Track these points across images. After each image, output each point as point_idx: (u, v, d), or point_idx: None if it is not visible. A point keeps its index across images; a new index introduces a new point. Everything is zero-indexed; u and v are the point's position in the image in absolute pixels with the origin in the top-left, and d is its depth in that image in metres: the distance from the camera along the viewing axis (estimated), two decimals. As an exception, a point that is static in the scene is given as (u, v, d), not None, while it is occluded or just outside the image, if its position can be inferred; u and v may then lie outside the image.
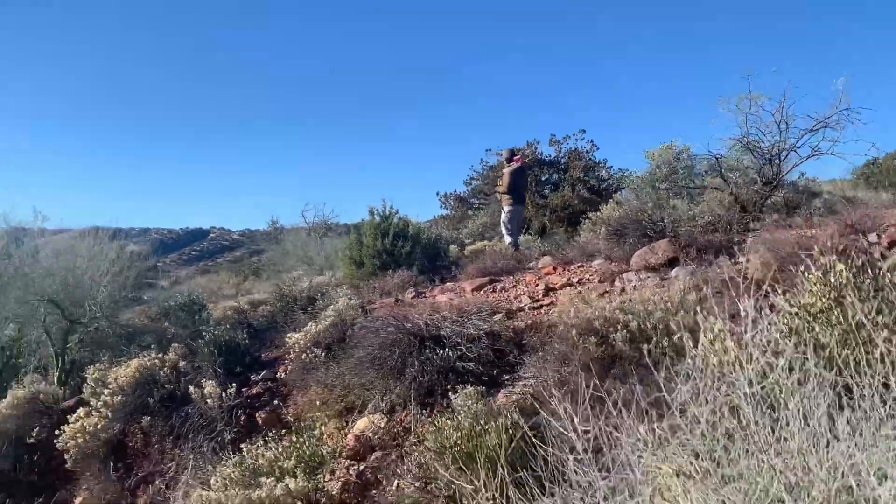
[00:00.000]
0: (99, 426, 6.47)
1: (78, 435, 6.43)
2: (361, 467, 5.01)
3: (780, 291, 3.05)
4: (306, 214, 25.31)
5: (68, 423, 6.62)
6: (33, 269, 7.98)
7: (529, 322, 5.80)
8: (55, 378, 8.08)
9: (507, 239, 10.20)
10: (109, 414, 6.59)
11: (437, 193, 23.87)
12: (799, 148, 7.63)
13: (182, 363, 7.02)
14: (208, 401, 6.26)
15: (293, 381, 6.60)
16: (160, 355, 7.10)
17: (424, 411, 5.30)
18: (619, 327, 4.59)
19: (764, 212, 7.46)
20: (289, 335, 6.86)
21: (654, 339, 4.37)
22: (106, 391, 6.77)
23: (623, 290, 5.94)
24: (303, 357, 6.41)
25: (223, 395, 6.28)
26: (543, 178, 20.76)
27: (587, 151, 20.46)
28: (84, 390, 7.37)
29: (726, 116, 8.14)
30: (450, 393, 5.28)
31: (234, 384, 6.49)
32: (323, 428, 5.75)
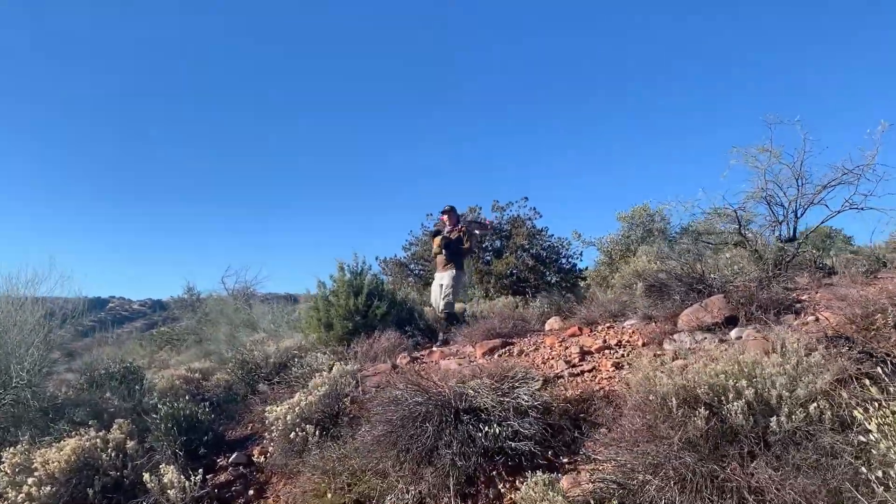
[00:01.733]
0: (20, 527, 5.01)
1: (-9, 540, 4.95)
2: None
3: None
4: (226, 281, 23.69)
5: (-23, 524, 5.13)
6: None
7: (578, 392, 4.84)
8: (-46, 464, 6.46)
9: (457, 305, 9.29)
10: (35, 510, 5.14)
11: (377, 258, 22.95)
12: (828, 200, 7.19)
13: (130, 443, 5.64)
14: (169, 492, 4.93)
15: (276, 466, 5.35)
16: (101, 433, 5.71)
17: (465, 504, 4.22)
18: (730, 396, 3.69)
19: (789, 269, 6.86)
20: (268, 409, 5.62)
21: (787, 410, 3.52)
22: (30, 479, 5.32)
23: (676, 353, 5.09)
24: (290, 436, 5.19)
25: (186, 484, 4.98)
26: (485, 245, 20.19)
27: (529, 219, 20.10)
28: (-5, 479, 5.87)
29: (738, 168, 7.64)
30: (496, 481, 4.26)
31: (199, 470, 5.21)
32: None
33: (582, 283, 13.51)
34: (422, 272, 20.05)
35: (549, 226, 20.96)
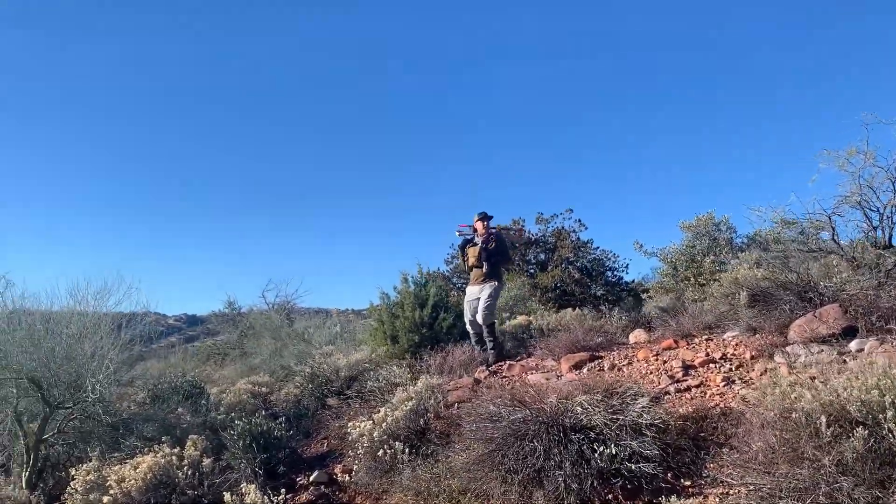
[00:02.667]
0: (97, 548, 4.79)
1: (68, 561, 4.73)
2: None
3: None
4: (267, 295, 23.49)
5: (50, 544, 4.91)
6: (3, 339, 6.27)
7: (691, 409, 4.47)
8: (23, 479, 6.28)
9: (492, 321, 7.80)
10: (112, 531, 4.93)
11: (408, 276, 22.69)
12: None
13: (205, 461, 5.40)
14: (252, 513, 4.67)
15: (360, 486, 5.07)
16: (175, 450, 5.48)
17: (579, 532, 3.87)
18: (888, 414, 3.31)
19: (889, 277, 6.41)
20: (350, 424, 5.34)
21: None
22: (105, 498, 5.10)
23: (791, 366, 4.69)
24: (378, 454, 4.89)
25: (269, 504, 4.71)
26: (529, 258, 19.86)
27: (574, 231, 19.73)
28: (67, 496, 5.68)
29: (828, 173, 7.21)
30: (614, 506, 3.92)
31: (281, 490, 4.94)
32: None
33: (644, 296, 13.05)
34: (464, 286, 19.74)
35: (594, 238, 20.59)
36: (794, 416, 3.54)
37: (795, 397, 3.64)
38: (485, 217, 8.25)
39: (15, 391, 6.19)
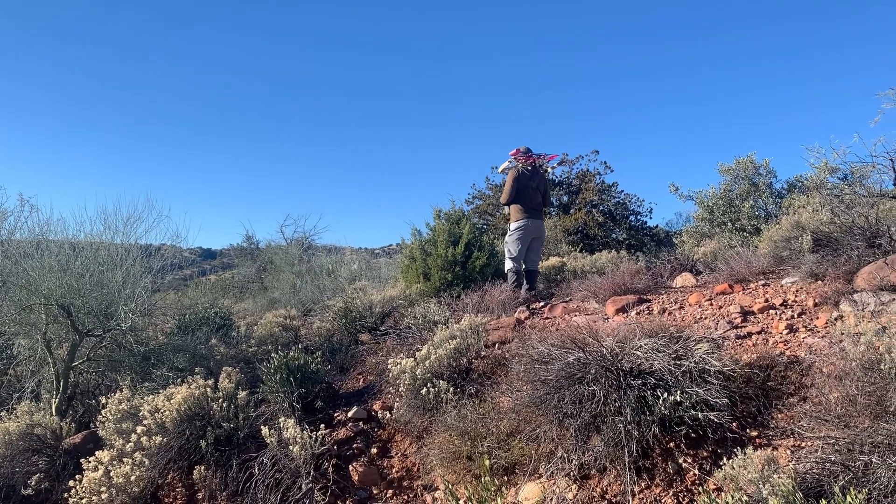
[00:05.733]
0: (132, 477, 4.68)
1: (102, 489, 4.63)
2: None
3: None
4: (285, 230, 23.29)
5: (83, 471, 4.82)
6: (32, 265, 6.10)
7: (755, 356, 4.24)
8: (52, 406, 6.21)
9: (509, 265, 7.60)
10: (146, 461, 4.82)
11: (440, 212, 22.37)
12: None
13: (241, 394, 5.27)
14: (291, 448, 4.54)
15: (399, 424, 4.92)
16: (209, 382, 5.34)
17: (640, 480, 3.70)
18: None
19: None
20: (391, 361, 5.17)
21: None
22: (139, 428, 4.99)
23: (862, 316, 4.42)
24: (422, 392, 4.72)
25: (308, 440, 4.57)
26: (552, 199, 19.46)
27: (599, 173, 19.30)
28: (98, 424, 5.59)
29: (891, 114, 6.79)
30: (676, 454, 3.73)
31: (320, 425, 4.81)
32: (463, 493, 4.10)
33: (676, 241, 12.74)
34: (485, 227, 19.41)
35: (620, 181, 20.18)
36: (882, 367, 3.29)
37: (885, 348, 3.39)
38: (527, 151, 7.87)
39: (44, 317, 6.05)
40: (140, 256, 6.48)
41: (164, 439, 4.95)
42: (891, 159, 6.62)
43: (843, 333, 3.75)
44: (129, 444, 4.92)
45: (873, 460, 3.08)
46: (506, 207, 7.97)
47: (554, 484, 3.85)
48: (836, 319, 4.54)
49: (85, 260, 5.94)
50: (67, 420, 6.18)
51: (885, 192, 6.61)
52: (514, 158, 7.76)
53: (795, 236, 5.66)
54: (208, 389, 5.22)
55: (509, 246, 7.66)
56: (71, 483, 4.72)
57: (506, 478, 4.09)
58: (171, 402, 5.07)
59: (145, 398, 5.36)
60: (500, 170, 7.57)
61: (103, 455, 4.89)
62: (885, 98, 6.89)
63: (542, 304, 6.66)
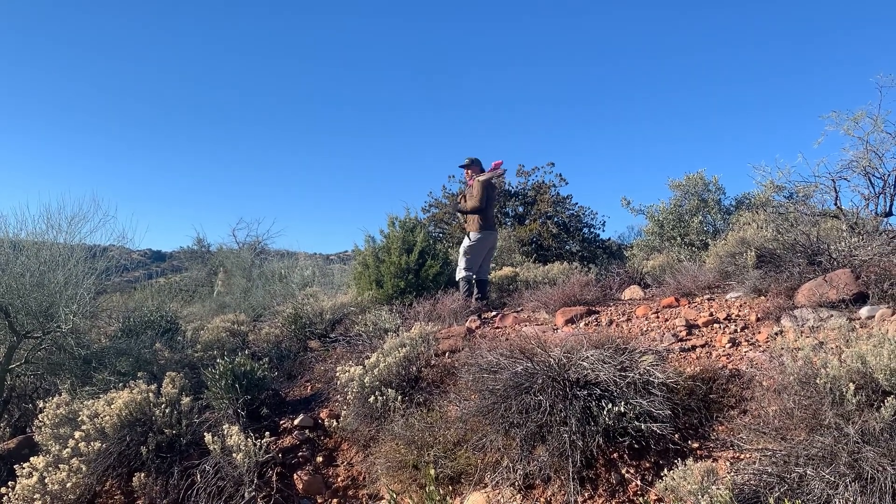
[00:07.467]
0: (68, 484, 4.54)
1: (36, 496, 4.47)
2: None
3: None
4: (237, 233, 22.87)
5: (16, 478, 4.66)
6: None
7: (698, 369, 4.32)
8: (-13, 410, 6.00)
9: (462, 274, 7.61)
10: (83, 467, 4.68)
11: (395, 219, 22.29)
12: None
13: (184, 399, 5.15)
14: (235, 455, 4.46)
15: (349, 432, 4.88)
16: (152, 387, 5.21)
17: (583, 490, 3.73)
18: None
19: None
20: (340, 369, 5.12)
21: None
22: (77, 434, 4.85)
23: (801, 331, 4.55)
24: (370, 400, 4.69)
25: (252, 448, 4.50)
26: (507, 210, 19.62)
27: (555, 185, 19.51)
28: (35, 429, 5.42)
29: (834, 136, 7.04)
30: (619, 465, 3.78)
31: (265, 432, 4.74)
32: (408, 502, 4.09)
33: (628, 254, 12.93)
34: (440, 235, 19.44)
35: (574, 193, 20.42)
36: (818, 381, 3.39)
37: (820, 363, 3.49)
38: (470, 164, 8.08)
39: (-20, 318, 5.84)
40: (84, 257, 6.29)
41: (104, 445, 4.81)
42: (832, 180, 6.84)
43: (782, 348, 3.84)
44: (67, 449, 4.77)
45: (808, 472, 3.16)
46: (464, 216, 7.98)
47: (499, 494, 3.86)
48: (776, 334, 4.67)
49: (26, 259, 5.75)
50: (2, 424, 5.99)
51: (826, 212, 6.83)
52: (494, 170, 7.85)
53: (740, 252, 5.81)
54: (151, 394, 5.10)
55: (466, 255, 7.67)
56: (2, 490, 4.56)
57: (451, 487, 4.09)
58: (112, 406, 4.94)
59: (85, 402, 5.22)
60: (481, 179, 7.55)
61: (38, 461, 4.73)
62: (829, 120, 7.14)
63: (493, 313, 6.70)
